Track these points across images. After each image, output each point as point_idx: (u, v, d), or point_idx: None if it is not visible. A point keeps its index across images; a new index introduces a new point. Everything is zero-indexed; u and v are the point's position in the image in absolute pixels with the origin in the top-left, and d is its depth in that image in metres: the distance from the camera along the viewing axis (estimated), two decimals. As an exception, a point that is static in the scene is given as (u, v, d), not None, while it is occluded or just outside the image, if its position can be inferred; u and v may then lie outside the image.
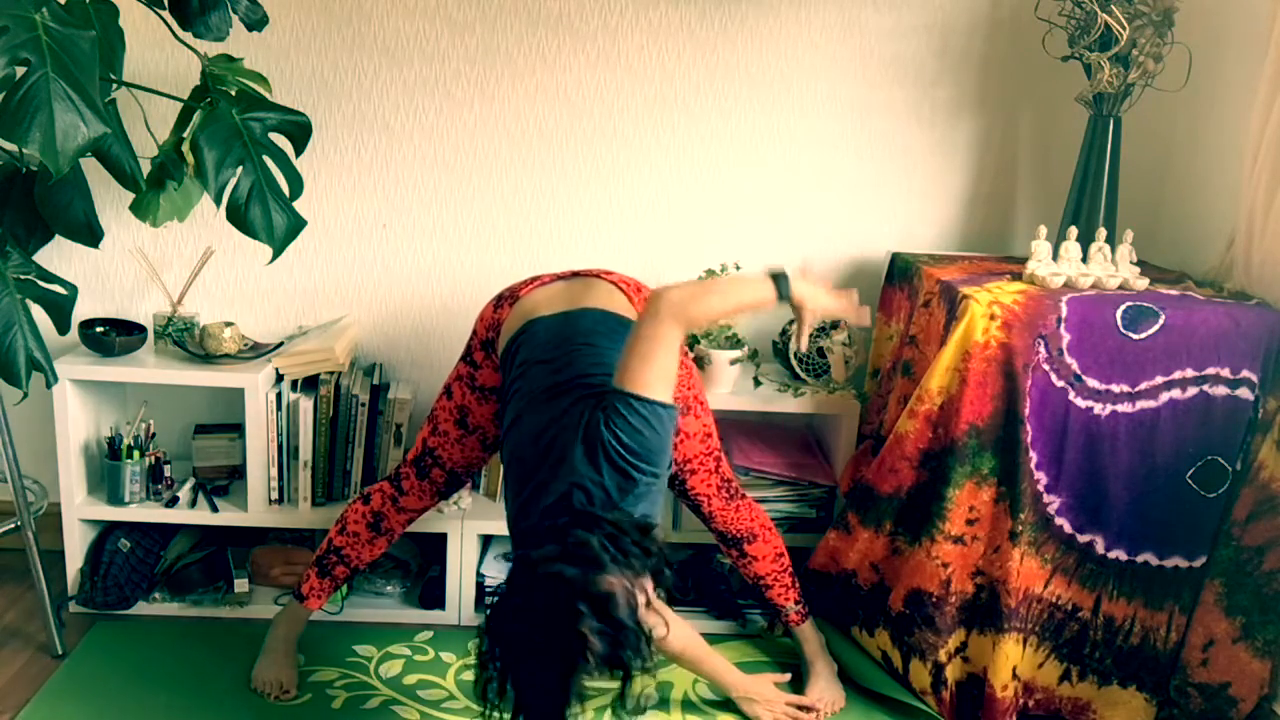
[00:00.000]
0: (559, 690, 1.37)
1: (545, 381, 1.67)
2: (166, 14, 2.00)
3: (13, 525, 2.11)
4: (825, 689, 2.09)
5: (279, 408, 2.27)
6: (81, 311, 2.32)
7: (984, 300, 1.95)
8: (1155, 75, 2.20)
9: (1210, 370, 1.93)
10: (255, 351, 2.33)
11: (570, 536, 1.42)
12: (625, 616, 1.38)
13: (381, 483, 2.09)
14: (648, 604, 1.44)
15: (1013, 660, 1.99)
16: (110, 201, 2.35)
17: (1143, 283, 2.07)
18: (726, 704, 2.07)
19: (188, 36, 2.02)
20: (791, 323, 2.40)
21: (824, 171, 2.50)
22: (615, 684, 1.40)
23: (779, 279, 1.71)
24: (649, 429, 1.54)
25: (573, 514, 1.48)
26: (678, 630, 1.95)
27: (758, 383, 2.33)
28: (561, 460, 1.55)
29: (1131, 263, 2.14)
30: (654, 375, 1.56)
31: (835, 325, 2.35)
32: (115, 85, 1.91)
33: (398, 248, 2.50)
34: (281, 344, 2.36)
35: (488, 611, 1.46)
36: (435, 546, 2.37)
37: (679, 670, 2.10)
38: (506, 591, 1.45)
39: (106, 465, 2.27)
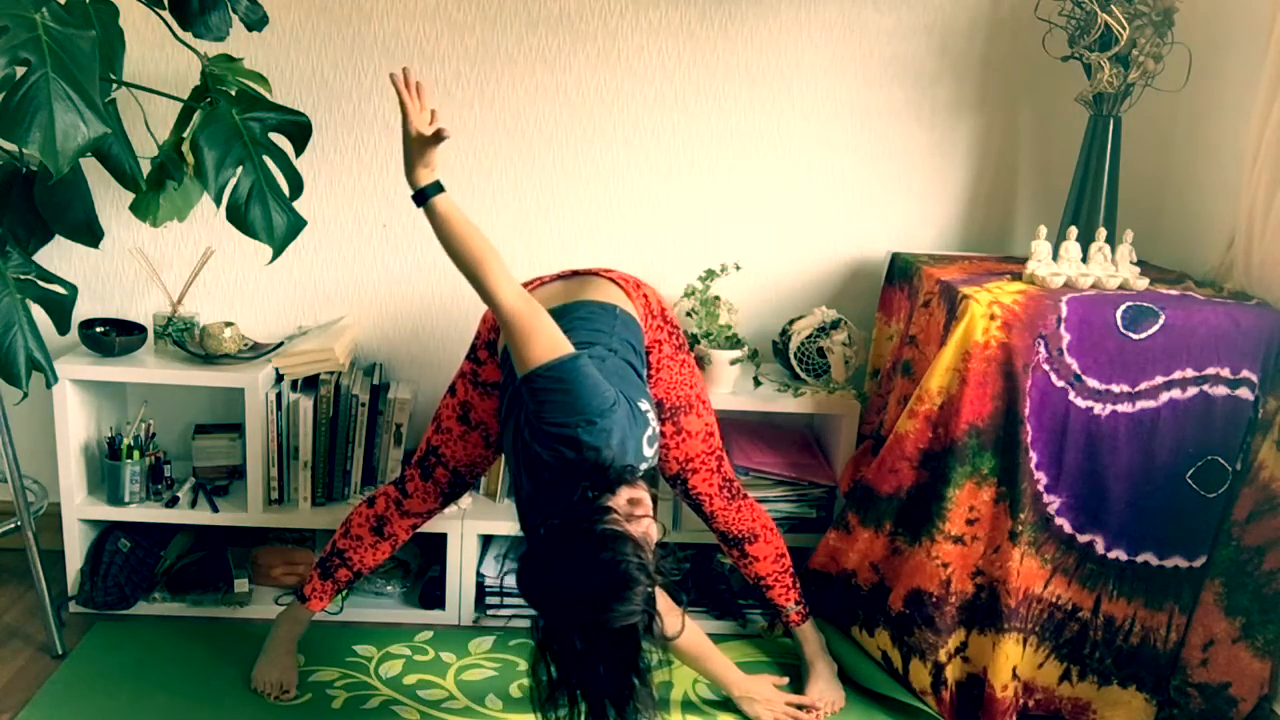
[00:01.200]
0: (625, 654, 1.42)
1: None
2: (166, 14, 2.00)
3: (13, 525, 2.11)
4: (825, 689, 2.09)
5: (279, 408, 2.27)
6: (81, 311, 2.32)
7: (984, 300, 1.95)
8: (1155, 75, 2.20)
9: (1210, 370, 1.93)
10: (255, 351, 2.33)
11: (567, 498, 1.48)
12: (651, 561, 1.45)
13: (386, 486, 2.09)
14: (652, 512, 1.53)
15: (1013, 660, 1.99)
16: (110, 201, 2.35)
17: (1143, 283, 2.07)
18: (726, 704, 2.06)
19: (188, 36, 2.01)
20: (792, 322, 2.40)
21: (824, 171, 2.50)
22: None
23: (417, 196, 1.70)
24: (560, 392, 1.56)
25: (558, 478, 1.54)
26: (683, 626, 1.95)
27: (758, 383, 2.33)
28: (524, 447, 1.61)
29: (1131, 263, 2.14)
30: (529, 347, 1.58)
31: (835, 325, 2.35)
32: (115, 85, 1.91)
33: (398, 248, 2.50)
34: (281, 344, 2.36)
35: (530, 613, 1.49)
36: (435, 546, 2.37)
37: (679, 670, 2.10)
38: (535, 569, 1.49)
39: (106, 465, 2.27)
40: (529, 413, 1.59)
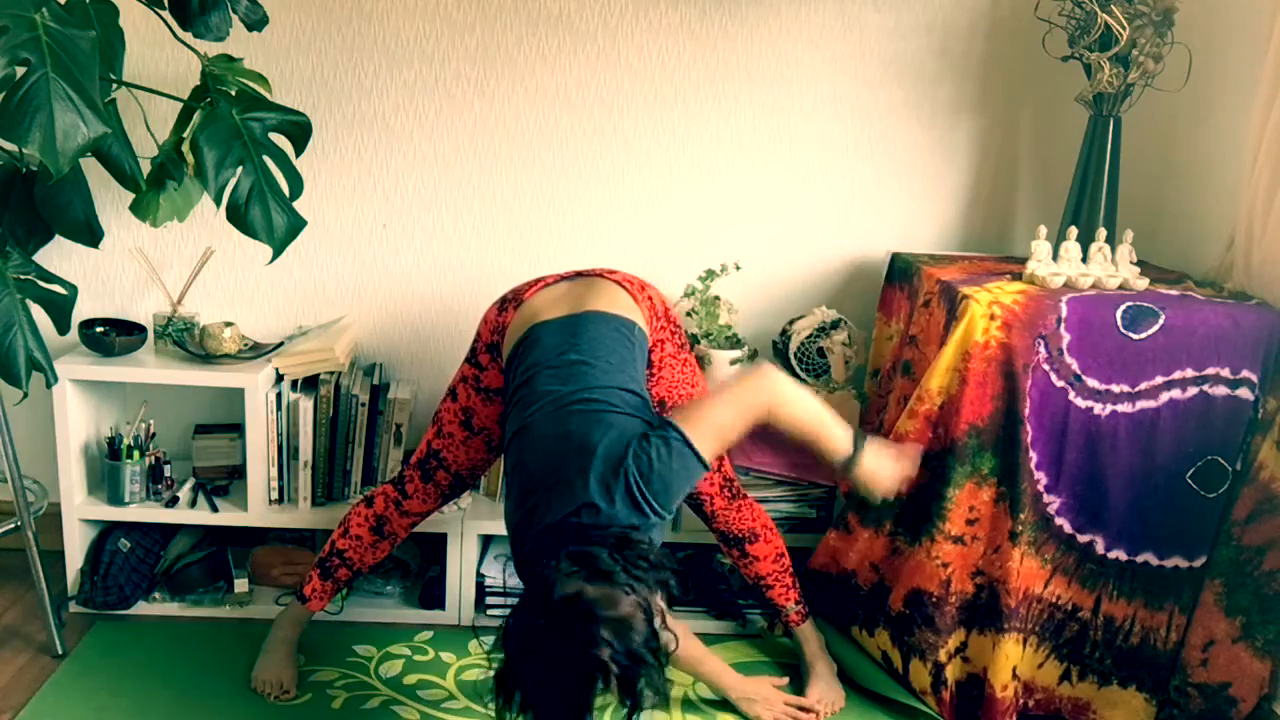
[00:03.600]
0: (577, 708, 1.37)
1: (552, 390, 1.65)
2: (166, 14, 2.00)
3: (13, 525, 2.11)
4: (825, 689, 2.09)
5: (279, 408, 2.27)
6: (81, 311, 2.32)
7: (984, 300, 1.95)
8: (1155, 75, 2.20)
9: (1210, 370, 1.93)
10: (255, 351, 2.33)
11: (582, 551, 1.41)
12: (642, 643, 1.37)
13: (385, 485, 2.08)
14: (663, 622, 1.43)
15: (1013, 660, 1.99)
16: (110, 201, 2.35)
17: (1143, 283, 2.07)
18: (726, 704, 2.06)
19: (188, 36, 2.02)
20: (792, 322, 2.40)
21: (824, 171, 2.50)
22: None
23: (858, 450, 1.71)
24: (677, 470, 1.54)
25: (579, 530, 1.47)
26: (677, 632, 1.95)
27: (758, 383, 2.33)
28: (571, 479, 1.52)
29: (1131, 263, 2.14)
30: (710, 430, 1.58)
31: (835, 325, 2.35)
32: (115, 85, 1.91)
33: (398, 248, 2.50)
34: (281, 344, 2.36)
35: (501, 631, 1.43)
36: (435, 546, 2.37)
37: (679, 670, 2.10)
38: (521, 614, 1.43)
39: (106, 465, 2.27)
40: (636, 444, 1.53)
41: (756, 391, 1.63)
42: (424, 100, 2.42)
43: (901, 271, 2.36)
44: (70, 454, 2.24)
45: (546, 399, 1.64)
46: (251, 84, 2.08)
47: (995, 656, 1.99)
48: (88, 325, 2.28)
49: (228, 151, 1.92)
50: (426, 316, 2.54)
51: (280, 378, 2.29)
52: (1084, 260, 2.15)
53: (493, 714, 1.43)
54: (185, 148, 1.95)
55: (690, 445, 1.55)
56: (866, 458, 1.72)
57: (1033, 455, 1.94)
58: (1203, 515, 1.99)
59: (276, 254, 2.01)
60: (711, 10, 2.39)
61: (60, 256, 2.40)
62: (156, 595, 2.31)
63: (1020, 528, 1.95)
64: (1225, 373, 1.93)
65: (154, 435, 2.33)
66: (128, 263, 2.45)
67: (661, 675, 1.38)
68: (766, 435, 2.50)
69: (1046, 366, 1.92)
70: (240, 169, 1.94)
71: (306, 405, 2.27)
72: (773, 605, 2.13)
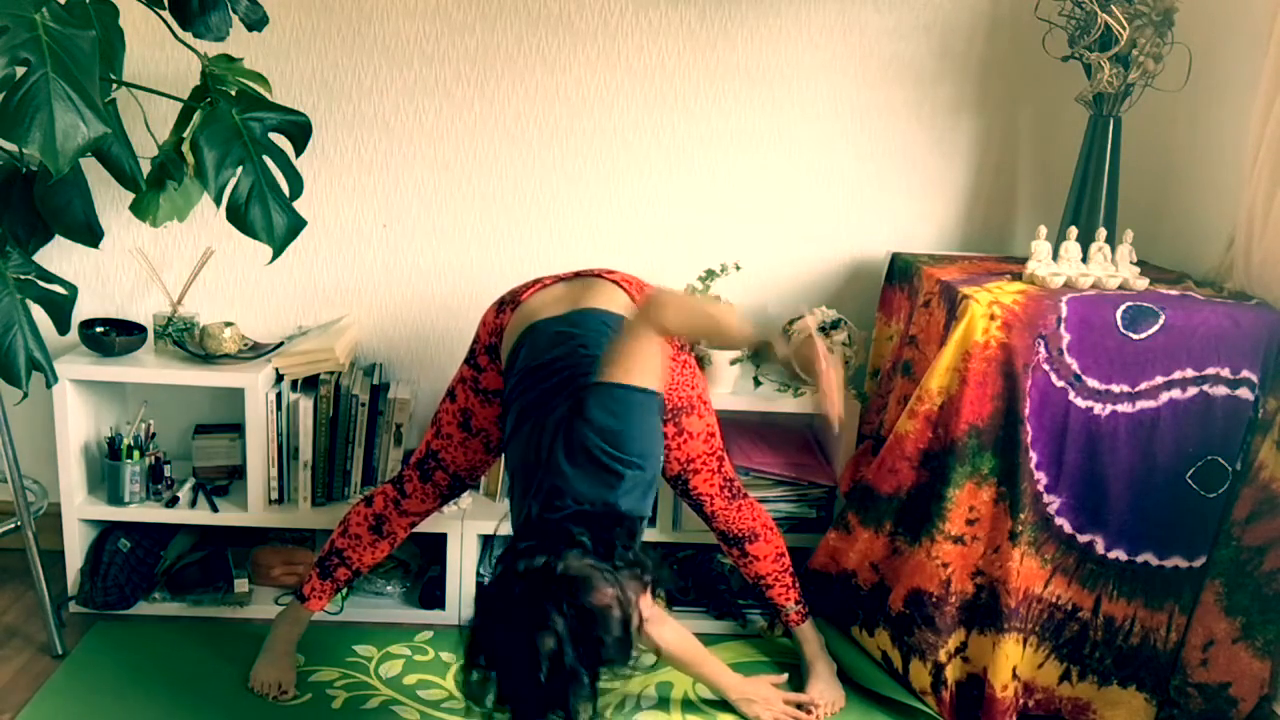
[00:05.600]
0: (541, 693, 1.36)
1: (544, 385, 1.67)
2: (166, 14, 2.00)
3: (13, 525, 2.11)
4: (825, 689, 2.09)
5: (279, 408, 2.27)
6: (81, 311, 2.31)
7: (984, 300, 1.95)
8: (1155, 75, 2.20)
9: (1210, 370, 1.93)
10: (255, 351, 2.33)
11: (552, 538, 1.42)
12: (612, 632, 1.37)
13: (384, 485, 2.08)
14: (639, 625, 1.42)
15: (1013, 660, 2.00)
16: (110, 201, 2.35)
17: (1143, 283, 2.07)
18: (726, 703, 2.06)
19: (188, 36, 2.02)
20: (792, 322, 2.40)
21: (824, 171, 2.50)
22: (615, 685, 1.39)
23: (763, 349, 1.73)
24: (624, 417, 1.53)
25: (553, 516, 1.48)
26: (674, 633, 1.95)
27: (758, 383, 2.33)
28: (546, 463, 1.54)
29: (1131, 263, 2.14)
30: (633, 366, 1.55)
31: (835, 325, 2.35)
32: (115, 85, 1.91)
33: (398, 248, 2.50)
34: (281, 344, 2.36)
35: (473, 614, 1.45)
36: (435, 546, 2.37)
37: (679, 671, 2.10)
38: (492, 595, 1.44)
39: (106, 465, 2.27)
40: (576, 410, 1.54)
41: (647, 323, 1.60)
42: (424, 100, 2.42)
43: (901, 271, 2.36)
44: (70, 454, 2.24)
45: (537, 397, 1.67)
46: (251, 84, 2.08)
47: (995, 656, 1.99)
48: (88, 325, 2.28)
49: (228, 151, 1.92)
50: (426, 316, 2.54)
51: (280, 378, 2.29)
52: (1084, 260, 2.15)
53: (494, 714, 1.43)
54: (185, 148, 1.95)
55: (625, 385, 1.53)
56: (777, 345, 1.75)
57: (1033, 455, 1.94)
58: (1203, 515, 1.99)
59: (276, 254, 2.01)
60: (711, 10, 2.39)
61: (60, 256, 2.40)
62: (156, 595, 2.31)
63: (1020, 528, 1.95)
64: (1225, 373, 1.93)
65: (154, 435, 2.33)
66: (128, 263, 2.45)
67: (626, 658, 1.39)
68: (766, 435, 2.50)
69: (1046, 366, 1.92)
70: (240, 169, 1.94)
71: (306, 405, 2.27)
72: (773, 605, 2.13)
